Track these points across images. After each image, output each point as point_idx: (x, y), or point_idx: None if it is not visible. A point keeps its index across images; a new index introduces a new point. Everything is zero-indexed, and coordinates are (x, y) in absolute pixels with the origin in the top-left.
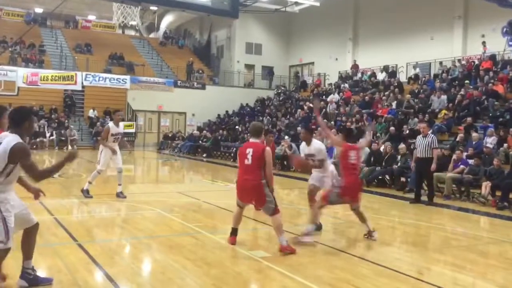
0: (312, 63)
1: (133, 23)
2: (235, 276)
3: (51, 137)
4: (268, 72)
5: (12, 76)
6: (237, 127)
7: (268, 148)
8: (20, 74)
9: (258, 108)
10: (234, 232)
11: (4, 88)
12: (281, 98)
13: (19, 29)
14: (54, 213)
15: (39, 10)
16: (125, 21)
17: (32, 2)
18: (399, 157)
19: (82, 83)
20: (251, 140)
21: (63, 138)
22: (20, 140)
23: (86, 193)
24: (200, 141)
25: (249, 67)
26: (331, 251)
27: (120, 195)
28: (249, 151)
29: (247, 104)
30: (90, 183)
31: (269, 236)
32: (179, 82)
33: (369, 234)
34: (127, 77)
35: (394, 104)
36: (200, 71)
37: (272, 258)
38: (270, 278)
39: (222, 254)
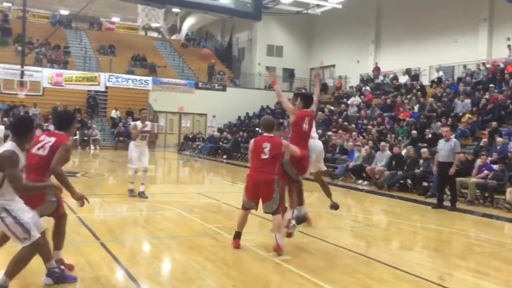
0: (333, 65)
1: (157, 25)
2: (255, 278)
3: (75, 137)
4: (289, 74)
5: (38, 77)
6: (257, 129)
7: (284, 141)
8: (45, 75)
9: (279, 110)
10: (238, 235)
11: (30, 88)
12: None
13: (45, 30)
14: (77, 212)
15: (64, 12)
16: (149, 22)
17: (58, 4)
18: (421, 161)
19: (105, 84)
20: (266, 134)
21: (86, 138)
22: (12, 149)
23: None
24: (220, 143)
25: (270, 69)
26: (350, 254)
27: (142, 195)
28: (266, 145)
29: (267, 106)
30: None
31: (289, 239)
32: (200, 83)
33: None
34: (149, 78)
35: (416, 107)
36: (221, 73)
37: (292, 260)
38: (290, 281)
39: (242, 256)
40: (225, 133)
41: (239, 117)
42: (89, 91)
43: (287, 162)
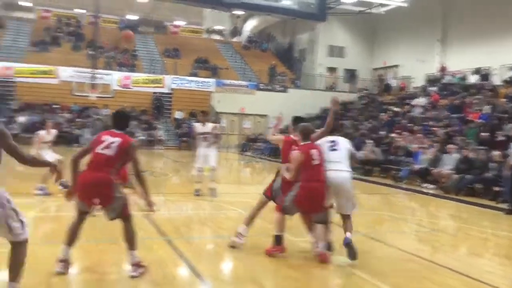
0: (397, 65)
1: (222, 27)
2: (318, 280)
3: (141, 137)
4: (351, 75)
5: (108, 80)
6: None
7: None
8: (115, 78)
9: (341, 111)
10: (280, 239)
11: (102, 90)
12: (364, 102)
13: (114, 35)
14: (144, 209)
15: (132, 17)
16: (215, 26)
17: (126, 9)
18: (492, 164)
19: (170, 86)
20: (305, 142)
21: (151, 139)
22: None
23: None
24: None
25: (331, 70)
26: (415, 259)
27: (213, 193)
28: (314, 152)
29: (328, 108)
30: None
31: (355, 242)
32: (261, 85)
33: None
34: (212, 80)
35: (486, 108)
36: (282, 74)
37: (356, 264)
38: (354, 284)
39: (305, 257)
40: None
41: None
42: (154, 93)
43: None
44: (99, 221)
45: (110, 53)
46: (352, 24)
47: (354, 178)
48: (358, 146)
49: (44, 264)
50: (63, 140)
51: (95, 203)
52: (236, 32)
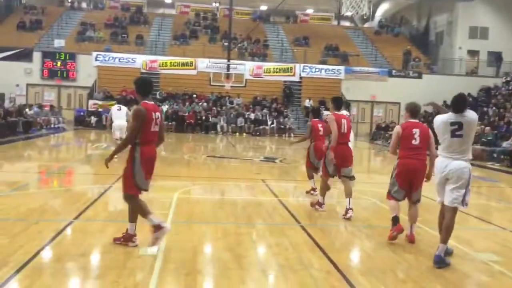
0: None
1: (363, 13)
2: (462, 278)
3: (272, 125)
4: (496, 58)
5: (241, 70)
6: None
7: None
8: (247, 67)
9: (483, 98)
10: (396, 220)
11: (235, 80)
12: (510, 87)
13: (247, 26)
14: (278, 195)
15: (264, 7)
16: (353, 11)
17: (258, 0)
18: None
19: (300, 74)
20: (411, 120)
21: (282, 126)
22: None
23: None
24: None
25: (473, 53)
26: None
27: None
28: (416, 131)
29: (469, 93)
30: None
31: (500, 239)
32: (393, 71)
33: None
34: (342, 67)
35: None
36: (417, 59)
37: (505, 262)
38: (501, 284)
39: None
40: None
41: None
42: (285, 81)
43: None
44: (240, 204)
45: (243, 44)
46: (497, 2)
47: (499, 170)
48: (503, 135)
49: (188, 241)
50: (200, 127)
51: None
52: (367, 17)
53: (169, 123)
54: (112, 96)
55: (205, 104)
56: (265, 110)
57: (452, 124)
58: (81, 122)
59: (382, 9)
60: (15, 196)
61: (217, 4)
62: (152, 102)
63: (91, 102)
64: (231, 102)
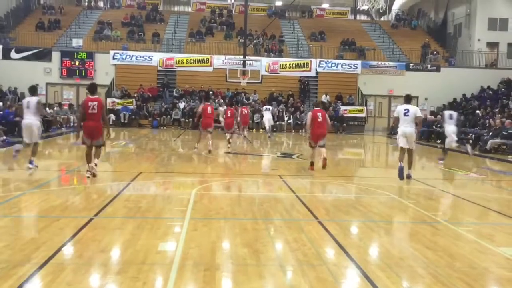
0: None
1: (380, 6)
2: (482, 273)
3: (289, 121)
4: None
5: (257, 66)
6: (477, 111)
7: None
8: (263, 63)
9: (503, 90)
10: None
11: (251, 76)
12: None
13: (262, 22)
14: (296, 191)
15: (279, 3)
16: (370, 5)
17: None
18: None
19: (316, 69)
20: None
21: (299, 122)
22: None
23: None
24: (434, 127)
25: (492, 45)
26: None
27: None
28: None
29: (488, 86)
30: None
31: None
32: (411, 65)
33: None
34: (358, 62)
35: None
36: (435, 52)
37: None
38: None
39: (466, 247)
40: (439, 116)
41: (455, 99)
42: (301, 76)
43: None
44: (257, 200)
45: (258, 40)
46: None
47: None
48: None
49: (206, 237)
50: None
51: None
52: (384, 11)
53: (186, 120)
54: (129, 94)
55: (221, 100)
56: (281, 106)
57: (405, 109)
58: None
59: (398, 2)
60: (37, 193)
61: (233, 1)
62: (96, 96)
63: (109, 100)
64: (248, 99)
